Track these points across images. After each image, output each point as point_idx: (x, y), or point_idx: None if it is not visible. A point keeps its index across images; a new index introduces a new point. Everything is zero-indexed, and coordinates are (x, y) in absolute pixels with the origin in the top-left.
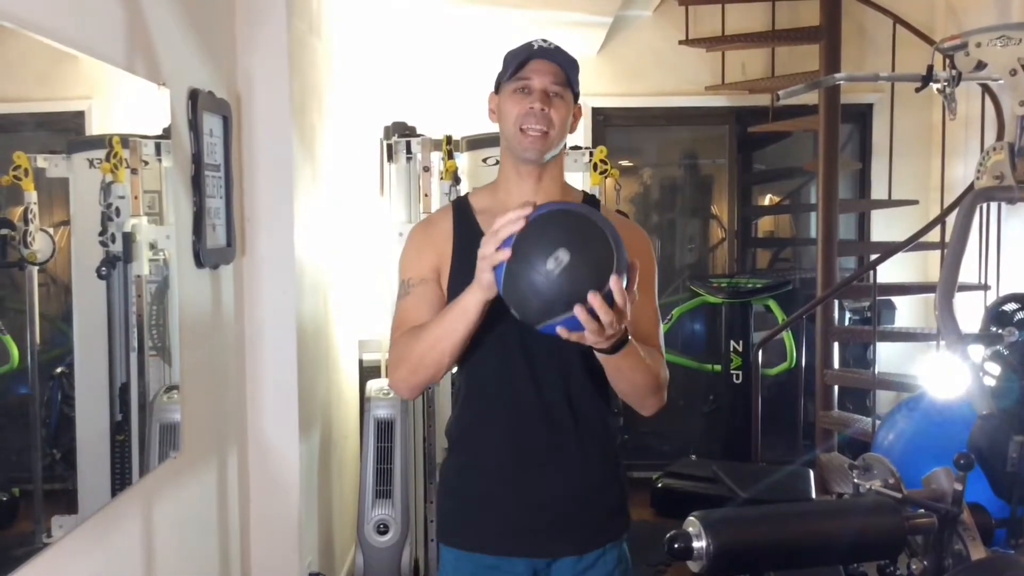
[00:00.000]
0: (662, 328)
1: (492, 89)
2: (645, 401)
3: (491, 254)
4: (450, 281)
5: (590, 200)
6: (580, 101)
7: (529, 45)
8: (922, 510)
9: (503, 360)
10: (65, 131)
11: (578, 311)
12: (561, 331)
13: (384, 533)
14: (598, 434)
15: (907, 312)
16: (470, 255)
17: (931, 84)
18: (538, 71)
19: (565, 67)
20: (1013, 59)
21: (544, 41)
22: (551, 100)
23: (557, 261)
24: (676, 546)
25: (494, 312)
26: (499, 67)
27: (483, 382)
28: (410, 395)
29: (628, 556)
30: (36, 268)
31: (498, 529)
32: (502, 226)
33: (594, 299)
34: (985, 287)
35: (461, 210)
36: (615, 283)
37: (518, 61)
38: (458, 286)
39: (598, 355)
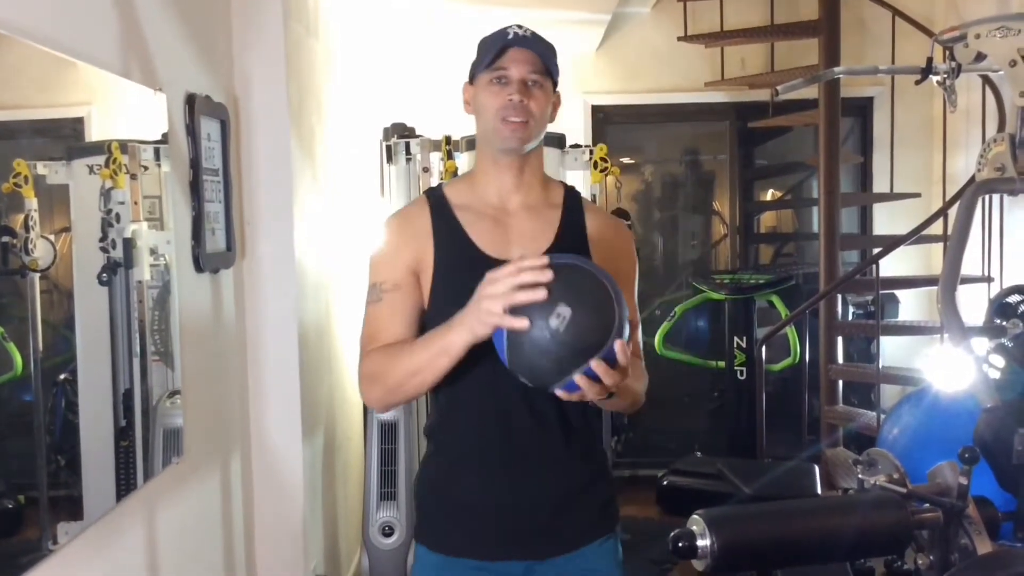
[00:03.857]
0: (640, 330)
1: (466, 79)
2: (626, 411)
3: (502, 317)
4: (433, 286)
5: (570, 192)
6: (582, 99)
7: (504, 33)
8: (927, 505)
9: (487, 359)
10: (64, 138)
11: (579, 379)
12: (561, 393)
13: (389, 535)
14: (583, 430)
15: (910, 306)
16: (453, 256)
17: (931, 76)
18: (516, 60)
19: (543, 55)
20: (1013, 50)
21: (520, 27)
22: (530, 90)
23: (560, 318)
24: (680, 545)
25: None
26: None
27: (468, 381)
28: (383, 411)
29: (620, 548)
30: (38, 275)
31: (491, 534)
32: (513, 287)
33: (598, 366)
34: (988, 279)
35: (438, 205)
36: (619, 346)
37: (494, 50)
38: (442, 291)
39: None
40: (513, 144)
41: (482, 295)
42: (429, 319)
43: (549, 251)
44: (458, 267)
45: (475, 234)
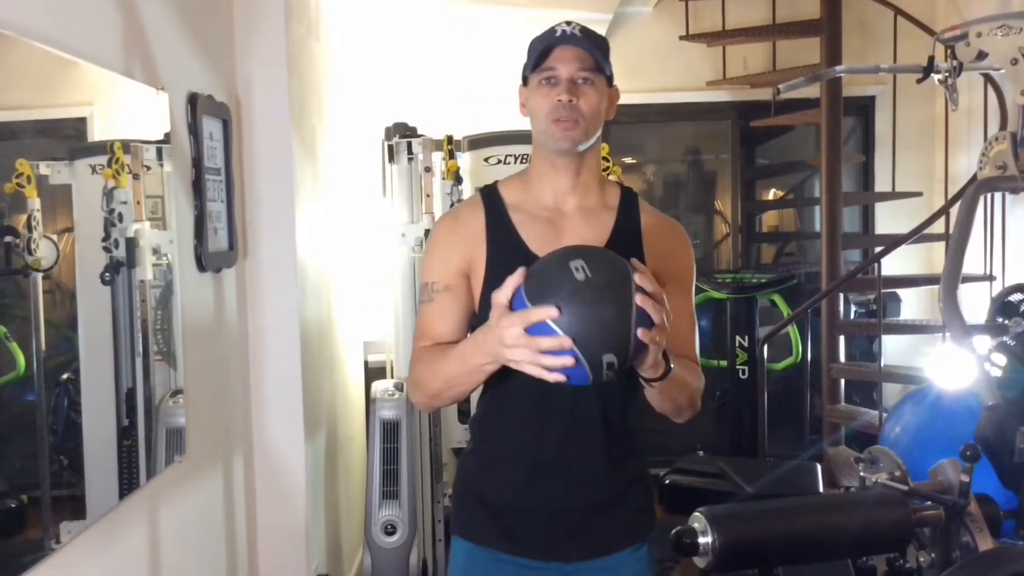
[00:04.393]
0: (697, 332)
1: (520, 82)
2: (681, 415)
3: (524, 339)
4: (484, 288)
5: (627, 193)
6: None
7: (552, 31)
8: (929, 502)
9: None
10: (67, 138)
11: (640, 301)
12: (642, 332)
13: (392, 534)
14: (625, 432)
15: (912, 304)
16: (505, 258)
17: (932, 75)
18: (563, 59)
19: (592, 51)
20: (1014, 48)
21: (568, 24)
22: (579, 89)
23: (580, 269)
24: (682, 542)
25: None
26: (497, 66)
27: (511, 381)
28: (429, 411)
29: (653, 554)
30: (40, 275)
31: (523, 533)
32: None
33: (642, 278)
34: (990, 278)
35: (492, 205)
36: (636, 264)
37: (540, 50)
38: (492, 293)
39: (645, 385)
40: (565, 145)
41: (500, 326)
42: (479, 321)
43: None
44: (509, 270)
45: (528, 236)
